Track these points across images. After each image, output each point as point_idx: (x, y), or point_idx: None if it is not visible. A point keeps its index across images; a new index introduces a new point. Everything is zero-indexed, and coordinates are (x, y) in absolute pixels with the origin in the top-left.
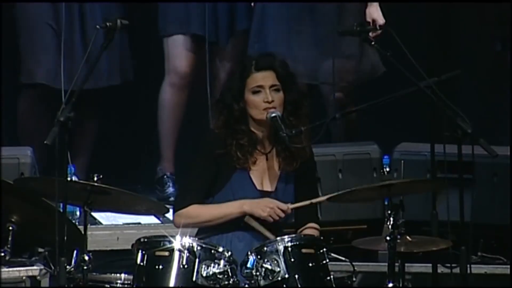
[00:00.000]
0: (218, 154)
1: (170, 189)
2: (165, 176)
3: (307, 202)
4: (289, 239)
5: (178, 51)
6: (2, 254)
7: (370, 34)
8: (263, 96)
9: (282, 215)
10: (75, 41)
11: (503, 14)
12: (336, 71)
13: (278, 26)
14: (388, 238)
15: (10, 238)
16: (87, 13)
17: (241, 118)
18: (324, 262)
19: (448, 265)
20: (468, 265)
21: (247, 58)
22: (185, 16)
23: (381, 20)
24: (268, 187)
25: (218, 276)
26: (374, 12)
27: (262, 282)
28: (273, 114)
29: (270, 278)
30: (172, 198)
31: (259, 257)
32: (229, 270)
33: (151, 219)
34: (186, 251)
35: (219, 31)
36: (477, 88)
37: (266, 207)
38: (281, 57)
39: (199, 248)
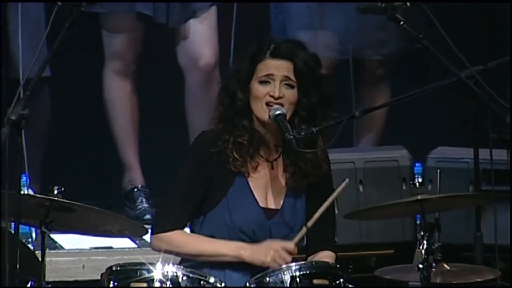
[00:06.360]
0: (211, 154)
1: (144, 205)
2: (135, 190)
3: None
4: (298, 267)
5: (120, 33)
6: None
7: None
8: (270, 89)
9: (289, 258)
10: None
11: None
12: (368, 43)
13: None
14: (420, 266)
15: None
16: None
17: (244, 111)
18: None
19: None
20: None
21: (267, 39)
22: None
23: None
24: (272, 204)
25: None
26: None
27: None
28: (278, 112)
29: None
30: (147, 216)
31: None
32: None
33: (125, 243)
34: (168, 282)
35: (170, 11)
36: None
37: (269, 251)
38: (311, 50)
39: (184, 278)
